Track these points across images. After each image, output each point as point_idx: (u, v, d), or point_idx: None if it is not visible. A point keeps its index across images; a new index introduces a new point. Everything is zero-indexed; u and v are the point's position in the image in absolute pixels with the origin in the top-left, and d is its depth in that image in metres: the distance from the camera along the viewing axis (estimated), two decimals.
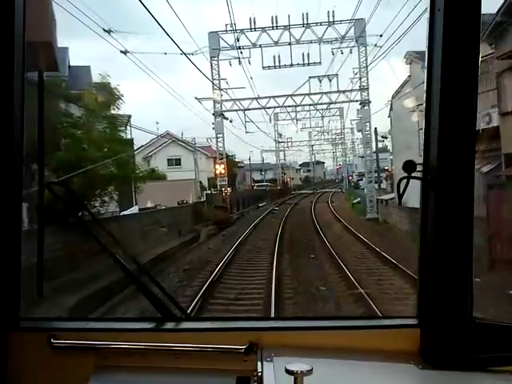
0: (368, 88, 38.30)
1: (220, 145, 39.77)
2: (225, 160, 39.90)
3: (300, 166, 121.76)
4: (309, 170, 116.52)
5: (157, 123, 60.39)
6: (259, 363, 2.07)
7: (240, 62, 38.89)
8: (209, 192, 45.67)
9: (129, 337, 2.29)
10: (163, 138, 63.59)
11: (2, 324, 2.27)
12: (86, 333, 2.34)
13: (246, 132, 42.63)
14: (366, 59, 38.08)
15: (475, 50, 1.94)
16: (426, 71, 2.06)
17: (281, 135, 79.19)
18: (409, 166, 2.06)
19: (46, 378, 2.31)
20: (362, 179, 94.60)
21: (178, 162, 65.55)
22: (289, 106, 39.15)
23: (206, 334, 2.30)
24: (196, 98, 38.41)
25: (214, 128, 39.08)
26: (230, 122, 41.89)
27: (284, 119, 78.83)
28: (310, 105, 38.97)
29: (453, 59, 1.94)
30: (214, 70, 38.94)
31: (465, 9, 1.91)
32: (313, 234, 28.84)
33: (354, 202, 48.30)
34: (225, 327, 2.41)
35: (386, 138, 49.73)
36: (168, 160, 65.98)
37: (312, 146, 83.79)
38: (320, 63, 38.24)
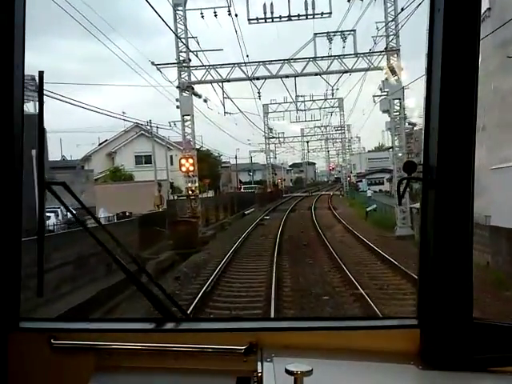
0: (399, 50, 26.15)
1: (188, 131, 27.29)
2: (195, 153, 27.43)
3: (291, 166, 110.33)
4: (301, 171, 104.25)
5: (123, 113, 46.92)
6: (259, 364, 2.02)
7: (216, 14, 26.61)
8: (174, 197, 32.97)
9: (129, 337, 2.22)
10: (138, 127, 51.44)
11: (2, 324, 2.21)
12: (85, 333, 2.29)
13: (225, 113, 29.93)
14: (396, 8, 25.96)
15: (475, 50, 1.89)
16: (425, 71, 2.02)
17: (271, 130, 66.88)
18: (409, 167, 2.05)
19: (46, 378, 2.25)
20: (361, 180, 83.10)
21: (148, 159, 52.85)
22: (286, 77, 26.84)
23: (205, 334, 2.25)
24: (153, 64, 25.92)
25: (178, 107, 26.63)
26: (205, 101, 29.42)
27: (275, 111, 66.91)
28: (317, 74, 26.77)
29: (453, 59, 1.89)
30: (178, 24, 26.53)
31: (464, 9, 1.87)
32: (331, 273, 16.56)
33: (369, 209, 35.97)
34: (225, 328, 2.34)
35: (415, 124, 37.41)
36: (136, 157, 53.57)
37: (307, 142, 71.58)
38: (330, 15, 26.04)
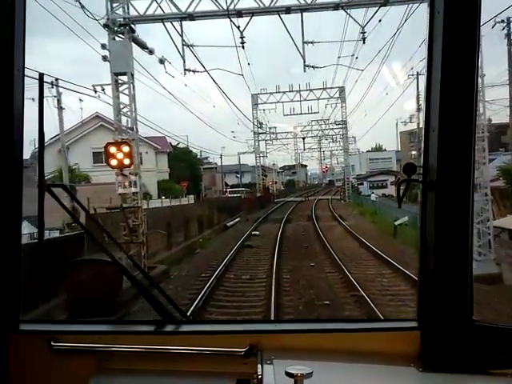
0: None
1: (124, 100, 15.92)
2: (136, 137, 16.01)
3: (281, 168, 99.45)
4: (294, 173, 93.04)
5: (80, 100, 34.09)
6: (259, 366, 1.97)
7: None
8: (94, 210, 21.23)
9: (129, 339, 2.17)
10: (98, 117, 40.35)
11: (2, 327, 2.16)
12: (85, 336, 2.23)
13: (186, 70, 18.08)
14: None
15: (474, 52, 1.85)
16: (425, 73, 1.98)
17: (261, 124, 55.65)
18: (409, 169, 2.01)
19: (46, 380, 2.20)
20: (362, 183, 72.00)
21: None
22: (286, 11, 15.24)
23: (206, 336, 2.19)
24: None
25: (106, 58, 15.25)
26: (161, 62, 18.07)
27: (265, 102, 55.66)
28: (337, 6, 15.15)
29: (452, 61, 1.85)
30: None
31: (464, 11, 1.83)
32: None
33: (399, 223, 24.72)
34: (225, 330, 2.29)
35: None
36: (94, 154, 41.82)
37: (304, 138, 60.16)
38: None
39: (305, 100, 52.78)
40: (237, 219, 36.30)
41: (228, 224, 32.58)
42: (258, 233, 27.37)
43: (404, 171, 1.99)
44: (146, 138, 45.95)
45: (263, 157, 59.50)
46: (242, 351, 2.03)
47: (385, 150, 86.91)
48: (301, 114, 53.66)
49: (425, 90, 1.98)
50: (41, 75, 2.16)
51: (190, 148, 50.73)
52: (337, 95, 52.23)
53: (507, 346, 1.93)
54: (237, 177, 72.75)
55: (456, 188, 1.88)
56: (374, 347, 2.05)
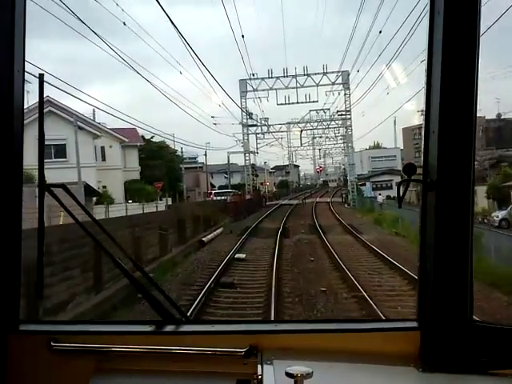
0: None
1: None
2: None
3: (273, 168, 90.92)
4: (287, 173, 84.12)
5: (28, 82, 25.40)
6: (259, 366, 1.93)
7: None
8: None
9: (129, 340, 2.12)
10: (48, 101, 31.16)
11: (1, 327, 2.11)
12: (85, 336, 2.19)
13: None
14: None
15: (474, 52, 1.83)
16: (425, 74, 1.95)
17: (251, 115, 46.74)
18: (409, 169, 1.98)
19: (46, 381, 2.16)
20: (364, 184, 63.43)
21: (60, 150, 32.30)
22: None
23: (206, 336, 2.14)
24: None
25: None
26: None
27: (256, 90, 46.82)
28: None
29: (452, 62, 1.84)
30: None
31: (464, 12, 1.81)
32: None
33: None
34: (225, 330, 2.24)
35: None
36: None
37: (301, 131, 51.25)
38: None
39: (302, 87, 44.14)
40: (218, 230, 27.43)
41: (205, 239, 23.65)
42: (243, 256, 18.48)
43: (404, 171, 1.97)
44: (110, 129, 37.27)
45: (254, 153, 50.62)
46: (242, 351, 1.98)
47: (383, 147, 78.74)
48: (297, 103, 44.99)
49: (425, 90, 1.94)
50: (41, 75, 2.10)
51: (167, 142, 41.58)
52: (340, 81, 43.60)
53: (507, 346, 1.89)
54: (225, 177, 64.09)
55: (456, 188, 1.86)
56: (374, 347, 2.01)
